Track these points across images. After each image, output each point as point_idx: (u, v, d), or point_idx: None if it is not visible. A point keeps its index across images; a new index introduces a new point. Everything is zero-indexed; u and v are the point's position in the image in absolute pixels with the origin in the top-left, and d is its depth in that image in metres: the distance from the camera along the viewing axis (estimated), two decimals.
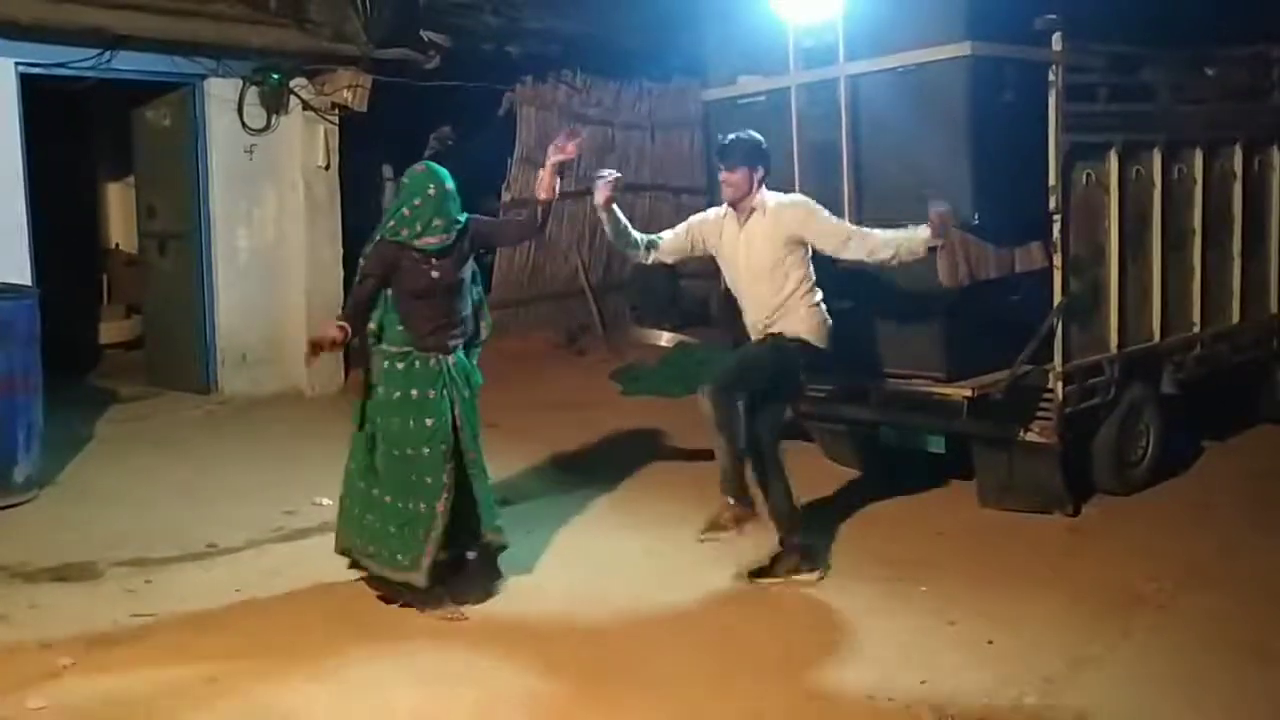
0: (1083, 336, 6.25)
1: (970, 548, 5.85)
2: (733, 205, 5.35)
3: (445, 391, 5.01)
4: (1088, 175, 6.23)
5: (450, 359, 5.07)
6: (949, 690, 4.27)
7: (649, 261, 5.66)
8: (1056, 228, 5.99)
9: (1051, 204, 5.96)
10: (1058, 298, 6.01)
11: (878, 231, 5.27)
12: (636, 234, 5.50)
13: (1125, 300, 6.47)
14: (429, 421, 4.96)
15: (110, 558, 5.69)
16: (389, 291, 5.06)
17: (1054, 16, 5.83)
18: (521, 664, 4.53)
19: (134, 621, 4.92)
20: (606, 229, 5.44)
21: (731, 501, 5.14)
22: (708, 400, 5.05)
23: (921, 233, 5.19)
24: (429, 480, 4.96)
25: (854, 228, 5.36)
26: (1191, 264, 6.98)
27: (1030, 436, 6.10)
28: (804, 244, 5.28)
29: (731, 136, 5.38)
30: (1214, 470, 7.04)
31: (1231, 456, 7.32)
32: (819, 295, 5.34)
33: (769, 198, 5.33)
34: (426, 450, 4.95)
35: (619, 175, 5.39)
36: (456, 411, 5.03)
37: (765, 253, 5.27)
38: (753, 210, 5.30)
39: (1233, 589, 5.25)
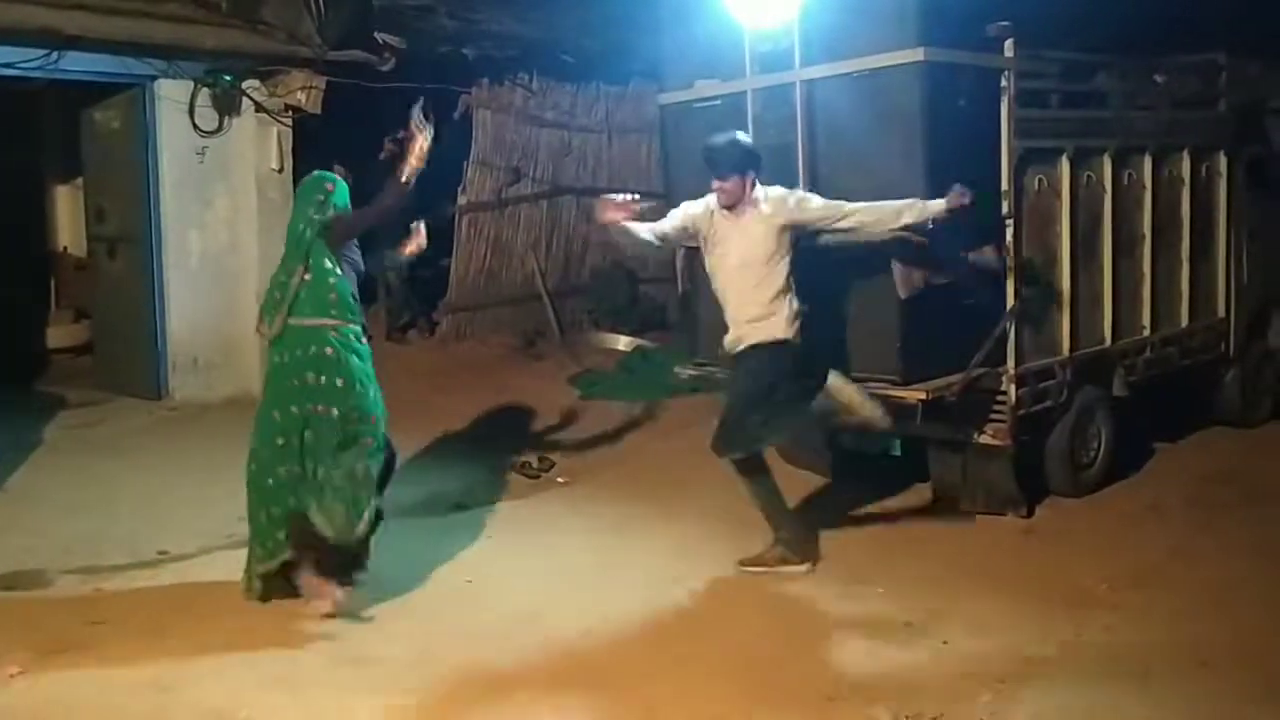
0: (1035, 340, 6.32)
1: (924, 549, 5.89)
2: (727, 208, 5.41)
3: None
4: (1040, 180, 6.30)
5: None
6: (903, 691, 4.29)
7: (658, 249, 5.79)
8: (1009, 232, 6.05)
9: (1004, 209, 6.02)
10: (1011, 301, 6.07)
11: (883, 203, 5.42)
12: (648, 235, 5.58)
13: (1077, 304, 6.55)
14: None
15: (60, 565, 5.61)
16: (345, 268, 5.19)
17: (1006, 23, 5.90)
18: (481, 667, 4.51)
19: (84, 629, 4.84)
20: (621, 241, 5.59)
21: (776, 539, 5.54)
22: (731, 469, 5.48)
23: (934, 205, 5.40)
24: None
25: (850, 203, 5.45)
26: (1142, 268, 7.07)
27: (984, 439, 6.15)
28: (796, 235, 5.40)
29: (720, 142, 5.43)
30: (1165, 472, 7.13)
31: (1182, 458, 7.42)
32: (797, 300, 5.48)
33: (761, 193, 5.43)
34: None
35: (634, 198, 5.47)
36: None
37: (763, 245, 5.36)
38: (749, 207, 5.39)
39: (1182, 590, 5.33)
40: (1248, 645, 4.74)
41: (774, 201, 5.43)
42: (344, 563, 5.02)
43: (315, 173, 5.39)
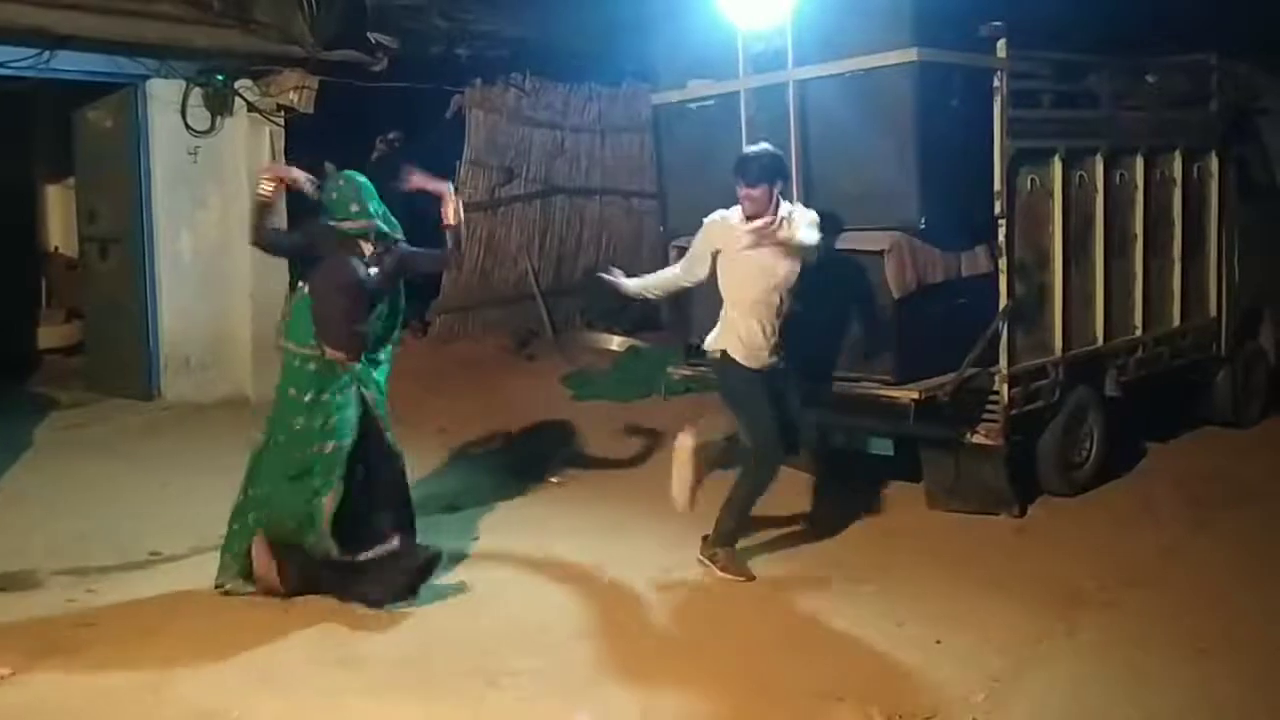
0: (1028, 340, 6.33)
1: (918, 549, 5.89)
2: (751, 219, 5.35)
3: (348, 392, 5.13)
4: (1032, 180, 6.31)
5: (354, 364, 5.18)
6: (898, 690, 4.30)
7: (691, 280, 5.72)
8: (1001, 232, 6.06)
9: (997, 209, 6.03)
10: (1003, 301, 6.08)
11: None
12: (671, 283, 5.74)
13: (1069, 304, 6.56)
14: (330, 421, 5.07)
15: (51, 566, 5.58)
16: (304, 286, 5.20)
17: (999, 24, 5.91)
18: (472, 668, 4.50)
19: (75, 631, 4.83)
20: (651, 296, 5.84)
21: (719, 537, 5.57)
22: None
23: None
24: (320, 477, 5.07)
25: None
26: (1133, 268, 7.09)
27: (976, 439, 6.16)
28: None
29: (752, 151, 5.45)
30: (1156, 471, 7.15)
31: (1173, 458, 7.44)
32: None
33: (785, 209, 5.41)
34: (317, 448, 5.08)
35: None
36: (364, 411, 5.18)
37: (790, 262, 5.36)
38: (776, 222, 5.33)
39: (1174, 588, 5.34)
40: (1243, 636, 4.77)
41: (799, 221, 5.39)
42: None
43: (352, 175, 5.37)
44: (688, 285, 5.76)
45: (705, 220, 5.54)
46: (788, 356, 5.55)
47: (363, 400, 5.18)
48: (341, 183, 5.28)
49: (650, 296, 5.96)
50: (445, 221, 5.44)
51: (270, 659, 4.56)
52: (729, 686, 4.38)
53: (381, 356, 5.41)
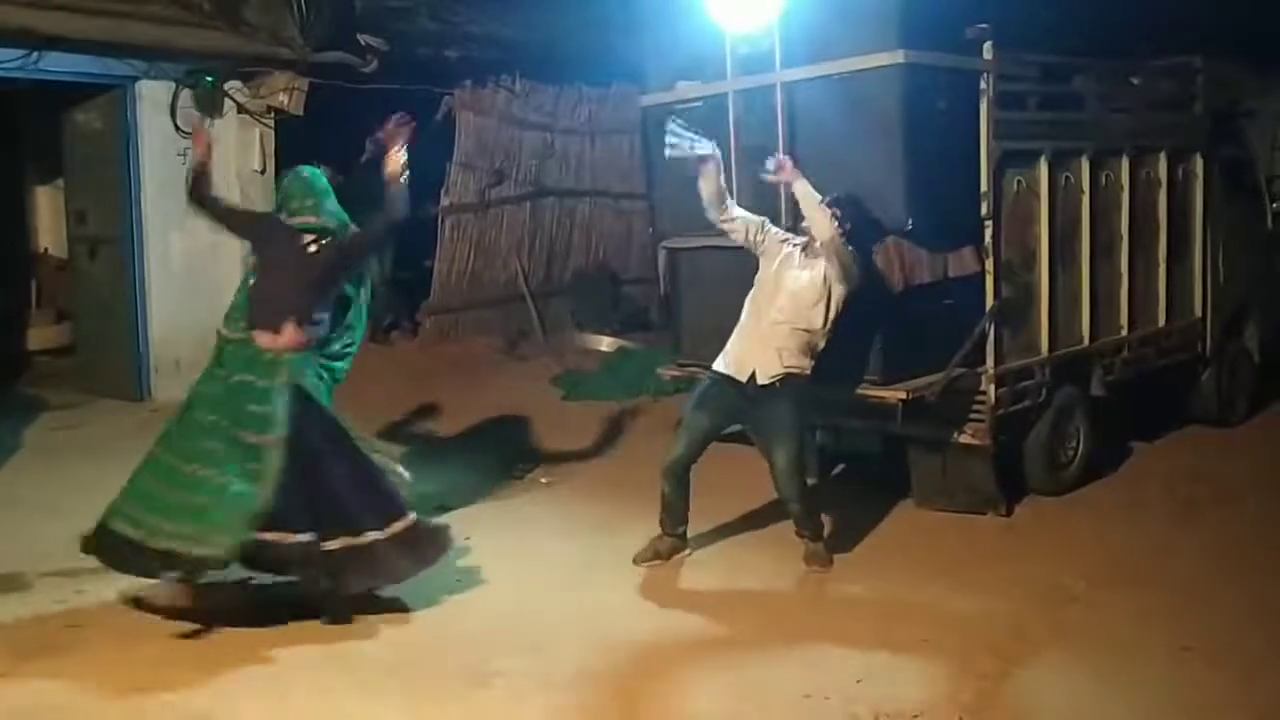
0: (1014, 340, 6.36)
1: (905, 548, 5.92)
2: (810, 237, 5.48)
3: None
4: (1019, 182, 6.33)
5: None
6: (885, 689, 4.31)
7: (723, 219, 5.63)
8: (988, 233, 6.09)
9: (983, 210, 6.05)
10: (990, 302, 6.10)
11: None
12: (726, 199, 5.62)
13: (1055, 304, 6.59)
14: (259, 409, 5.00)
15: (39, 568, 5.57)
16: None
17: (985, 26, 5.94)
18: (463, 668, 4.51)
19: (64, 633, 4.83)
20: (705, 188, 5.55)
21: (666, 534, 5.69)
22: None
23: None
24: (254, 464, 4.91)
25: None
26: (1119, 269, 7.12)
27: (963, 438, 6.18)
28: (832, 287, 5.44)
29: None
30: (1142, 471, 7.18)
31: (1159, 457, 7.47)
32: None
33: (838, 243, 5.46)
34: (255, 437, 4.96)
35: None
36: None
37: (812, 293, 5.43)
38: (819, 254, 5.43)
39: (1160, 587, 5.36)
40: (1228, 633, 4.80)
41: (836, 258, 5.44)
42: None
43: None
44: (724, 217, 5.59)
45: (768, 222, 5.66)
46: (790, 408, 5.49)
47: (299, 392, 5.02)
48: (291, 178, 5.28)
49: (711, 194, 5.59)
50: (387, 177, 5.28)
51: (259, 659, 4.56)
52: (716, 685, 4.41)
53: (335, 349, 5.34)
